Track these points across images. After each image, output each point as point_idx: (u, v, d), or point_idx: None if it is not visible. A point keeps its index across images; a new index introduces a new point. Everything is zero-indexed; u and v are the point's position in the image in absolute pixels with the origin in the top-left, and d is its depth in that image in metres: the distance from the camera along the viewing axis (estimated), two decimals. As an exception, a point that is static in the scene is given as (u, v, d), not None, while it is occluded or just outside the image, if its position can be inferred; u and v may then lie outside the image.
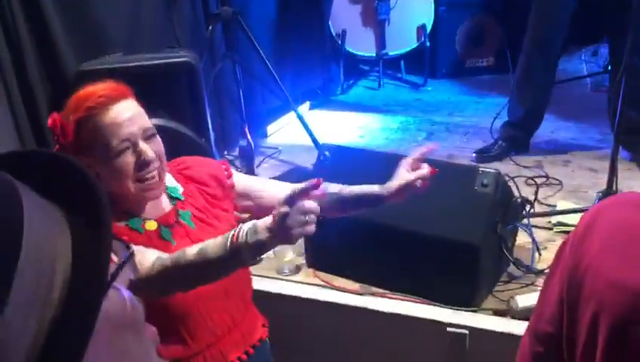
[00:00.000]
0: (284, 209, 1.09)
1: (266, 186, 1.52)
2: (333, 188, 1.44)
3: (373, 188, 1.41)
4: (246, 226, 1.14)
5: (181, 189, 1.43)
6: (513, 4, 3.49)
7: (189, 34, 3.07)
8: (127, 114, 1.26)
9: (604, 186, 2.39)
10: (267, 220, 1.13)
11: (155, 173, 1.29)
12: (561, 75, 3.81)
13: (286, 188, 1.26)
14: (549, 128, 3.29)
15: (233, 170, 1.53)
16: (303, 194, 1.11)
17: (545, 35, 2.90)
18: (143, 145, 1.27)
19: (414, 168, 1.40)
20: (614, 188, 2.29)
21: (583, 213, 0.90)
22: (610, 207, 0.86)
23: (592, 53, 4.56)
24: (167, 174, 1.37)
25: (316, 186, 1.13)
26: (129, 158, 1.26)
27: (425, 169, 1.39)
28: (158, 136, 1.32)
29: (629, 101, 2.39)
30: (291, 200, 1.10)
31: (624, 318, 0.77)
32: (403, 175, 1.38)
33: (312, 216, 1.11)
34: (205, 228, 1.39)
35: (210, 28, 3.01)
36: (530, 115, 3.04)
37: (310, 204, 1.11)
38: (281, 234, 1.11)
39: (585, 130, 3.37)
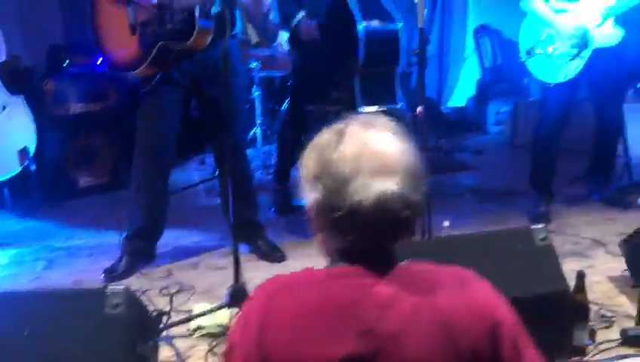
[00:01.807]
0: None
1: None
2: None
3: None
4: None
5: None
6: (124, 122, 3.57)
7: None
8: None
9: (232, 281, 2.51)
10: None
11: None
12: (178, 185, 4.03)
13: None
14: (173, 235, 3.36)
15: None
16: None
17: (155, 148, 3.00)
18: None
19: None
20: (240, 281, 2.43)
21: (236, 315, 0.93)
22: (277, 296, 0.91)
23: (200, 162, 4.96)
24: None
25: None
26: None
27: None
28: None
29: (236, 198, 2.61)
30: None
31: None
32: None
33: None
34: None
35: None
36: (149, 223, 3.05)
37: None
38: None
39: (207, 231, 3.55)
